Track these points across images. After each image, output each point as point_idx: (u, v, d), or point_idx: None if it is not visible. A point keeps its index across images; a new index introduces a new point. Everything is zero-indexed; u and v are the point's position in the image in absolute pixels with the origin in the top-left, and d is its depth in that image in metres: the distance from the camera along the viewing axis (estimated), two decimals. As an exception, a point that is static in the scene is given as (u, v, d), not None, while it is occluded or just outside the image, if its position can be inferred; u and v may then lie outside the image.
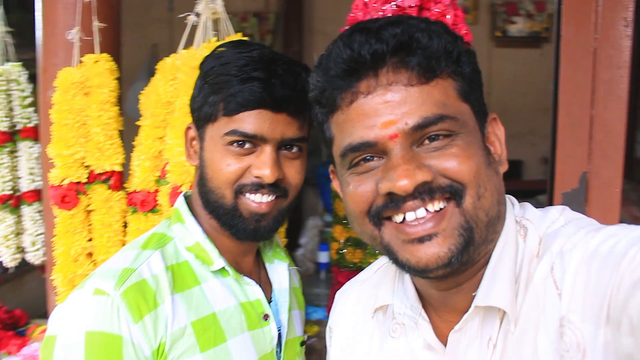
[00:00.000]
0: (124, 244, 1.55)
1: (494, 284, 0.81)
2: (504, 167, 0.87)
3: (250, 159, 1.10)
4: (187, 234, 1.16)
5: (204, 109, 1.13)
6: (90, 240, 1.52)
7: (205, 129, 1.14)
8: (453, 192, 0.78)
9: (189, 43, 1.59)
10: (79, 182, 1.48)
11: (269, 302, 1.23)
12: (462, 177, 0.78)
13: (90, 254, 1.53)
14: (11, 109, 2.10)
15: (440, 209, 0.79)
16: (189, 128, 1.21)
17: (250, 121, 1.07)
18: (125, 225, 1.56)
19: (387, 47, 0.77)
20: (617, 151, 1.49)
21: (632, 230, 0.74)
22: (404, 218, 0.80)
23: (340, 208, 1.72)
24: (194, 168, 1.39)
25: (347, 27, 1.63)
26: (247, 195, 1.11)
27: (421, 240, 0.79)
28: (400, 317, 0.93)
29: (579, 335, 0.73)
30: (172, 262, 1.12)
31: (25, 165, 2.09)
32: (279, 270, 1.29)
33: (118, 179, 1.56)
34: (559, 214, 0.87)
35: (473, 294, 0.83)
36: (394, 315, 0.96)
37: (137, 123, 1.59)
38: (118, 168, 1.55)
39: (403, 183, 0.76)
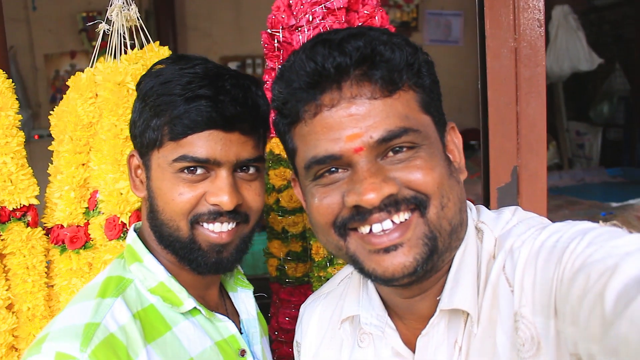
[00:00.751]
0: (50, 288, 1.37)
1: (457, 288, 0.84)
2: (463, 175, 0.90)
3: (204, 185, 1.00)
4: (148, 274, 1.04)
5: (147, 135, 1.02)
6: (8, 289, 1.30)
7: (150, 156, 1.03)
8: (417, 203, 0.80)
9: (101, 55, 1.43)
10: (-11, 223, 1.27)
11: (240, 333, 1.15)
12: (425, 188, 0.80)
13: (10, 305, 1.31)
14: None
15: (406, 219, 0.81)
16: (131, 156, 1.09)
17: (200, 144, 0.98)
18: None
19: (350, 60, 0.77)
20: (540, 144, 1.58)
21: (574, 225, 0.78)
22: (371, 229, 0.81)
23: (277, 222, 1.65)
24: (135, 197, 1.26)
25: (268, 30, 1.58)
26: (205, 225, 1.02)
27: (387, 250, 0.81)
28: (367, 327, 0.94)
29: (532, 328, 0.76)
30: (138, 309, 1.00)
31: None
32: (244, 298, 1.21)
33: (35, 215, 1.36)
34: (511, 215, 0.91)
35: (437, 299, 0.86)
36: (360, 325, 0.97)
37: (51, 148, 1.40)
38: (35, 201, 1.35)
39: (370, 197, 0.77)
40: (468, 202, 0.92)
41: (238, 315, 1.19)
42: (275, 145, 1.61)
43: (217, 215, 1.00)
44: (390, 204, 0.79)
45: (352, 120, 0.78)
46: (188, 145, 0.98)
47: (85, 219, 1.35)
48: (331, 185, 0.83)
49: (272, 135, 1.57)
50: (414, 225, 0.81)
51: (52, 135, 1.40)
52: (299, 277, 1.65)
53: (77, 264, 1.31)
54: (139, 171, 1.07)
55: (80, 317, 0.94)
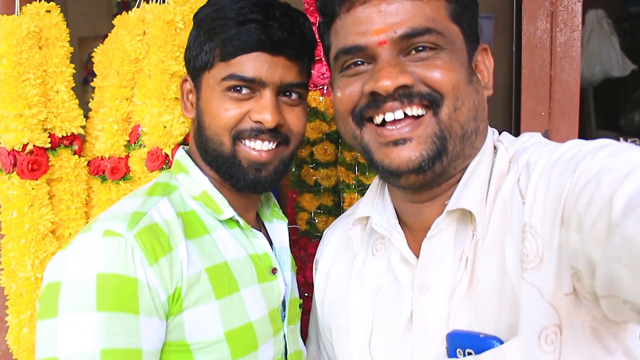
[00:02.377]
0: (89, 217, 1.42)
1: (465, 191, 0.87)
2: (488, 92, 0.94)
3: (249, 104, 1.06)
4: (193, 183, 1.10)
5: (200, 58, 1.08)
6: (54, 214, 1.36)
7: (201, 78, 1.09)
8: (431, 101, 0.84)
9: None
10: (41, 148, 1.32)
11: None
12: (440, 86, 0.83)
13: (54, 231, 1.37)
14: None
15: (419, 115, 0.85)
16: (184, 81, 1.15)
17: (248, 64, 1.04)
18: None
19: None
20: (573, 110, 1.60)
21: (594, 142, 0.79)
22: (384, 120, 0.86)
23: (309, 175, 1.69)
24: (178, 130, 1.31)
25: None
26: (246, 142, 1.07)
27: (396, 143, 0.85)
28: (377, 228, 0.98)
29: (538, 239, 0.77)
30: (181, 210, 1.05)
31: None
32: (279, 229, 1.25)
33: (81, 144, 1.42)
34: (529, 137, 0.93)
35: (446, 203, 0.89)
36: (372, 230, 1.01)
37: (93, 84, 1.46)
38: (82, 131, 1.40)
39: (385, 83, 0.82)
40: (491, 128, 0.96)
41: (271, 244, 1.23)
42: (311, 99, 1.65)
43: (258, 132, 1.05)
44: (405, 95, 0.84)
45: (381, 16, 0.84)
46: (236, 65, 1.03)
47: (125, 151, 1.40)
48: (355, 77, 0.88)
49: (310, 88, 1.63)
50: (425, 123, 0.84)
51: (96, 72, 1.46)
52: (329, 231, 1.68)
53: (116, 195, 1.36)
54: (190, 95, 1.14)
55: (128, 208, 0.99)
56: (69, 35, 1.41)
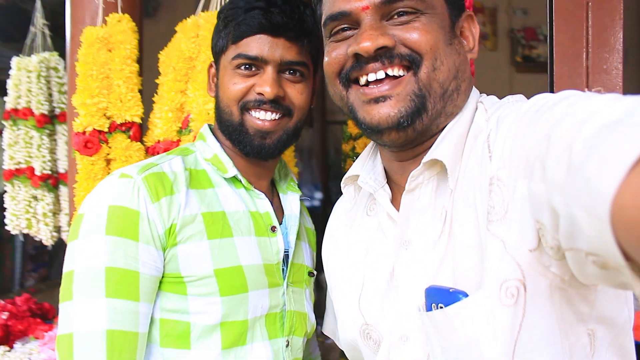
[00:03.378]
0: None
1: (441, 145, 0.89)
2: (473, 55, 0.98)
3: (254, 79, 1.21)
4: (207, 147, 1.27)
5: (219, 43, 1.27)
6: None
7: (220, 61, 1.27)
8: (411, 61, 0.88)
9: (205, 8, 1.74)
10: (101, 131, 1.59)
11: (280, 224, 1.30)
12: (419, 47, 0.88)
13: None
14: (50, 95, 2.27)
15: (399, 76, 0.89)
16: (210, 66, 1.35)
17: (252, 45, 1.20)
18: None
19: None
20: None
21: (559, 93, 0.76)
22: (367, 81, 0.91)
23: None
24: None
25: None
26: (252, 112, 1.21)
27: (377, 100, 0.90)
28: (362, 184, 1.03)
29: (504, 191, 0.77)
30: (191, 167, 1.23)
31: (63, 147, 2.24)
32: (292, 200, 1.37)
33: (137, 131, 1.67)
34: (511, 97, 0.94)
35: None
36: (364, 190, 1.06)
37: (157, 81, 1.72)
38: (137, 119, 1.66)
39: (365, 44, 0.87)
40: (476, 89, 0.99)
41: (283, 213, 1.35)
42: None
43: (260, 103, 1.20)
44: (385, 56, 0.88)
45: None
46: (243, 46, 1.21)
47: (178, 136, 1.63)
48: (342, 42, 0.94)
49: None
50: (405, 82, 0.88)
51: (160, 71, 1.71)
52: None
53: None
54: (214, 77, 1.33)
55: (147, 160, 1.21)
56: (136, 40, 1.70)
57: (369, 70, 0.90)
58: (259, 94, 1.19)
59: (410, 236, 0.92)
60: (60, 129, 2.22)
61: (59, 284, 1.08)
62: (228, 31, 1.23)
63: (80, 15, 1.74)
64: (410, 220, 0.92)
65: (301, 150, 5.17)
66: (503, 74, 4.75)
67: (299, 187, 1.41)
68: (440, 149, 0.88)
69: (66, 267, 1.08)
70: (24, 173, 2.17)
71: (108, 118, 1.62)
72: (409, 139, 0.91)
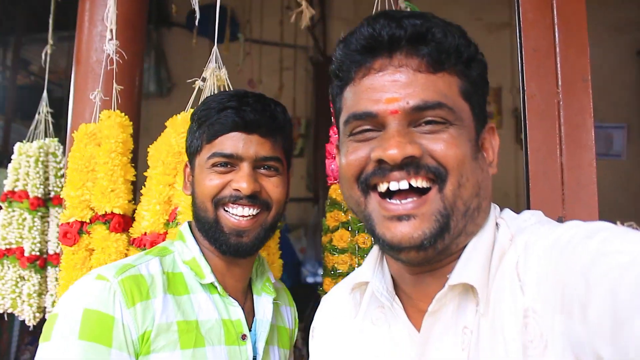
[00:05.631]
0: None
1: (467, 266, 0.86)
2: (493, 170, 0.95)
3: (230, 176, 1.25)
4: (186, 249, 1.29)
5: (193, 144, 1.31)
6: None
7: (194, 161, 1.31)
8: (437, 175, 0.84)
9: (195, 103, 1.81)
10: (82, 222, 1.63)
11: (249, 330, 1.30)
12: (446, 161, 0.84)
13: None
14: (47, 178, 2.35)
15: (423, 187, 0.85)
16: (185, 166, 1.39)
17: (227, 143, 1.24)
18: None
19: (404, 33, 0.84)
20: (591, 196, 1.53)
21: (590, 223, 0.77)
22: (388, 189, 0.86)
23: (329, 260, 1.77)
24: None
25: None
26: (227, 209, 1.24)
27: (400, 218, 0.85)
28: (378, 294, 0.97)
29: (542, 324, 0.75)
30: (169, 270, 1.24)
31: (54, 229, 2.29)
32: (265, 303, 1.37)
33: (117, 222, 1.70)
34: (530, 215, 0.93)
35: (447, 276, 0.87)
36: (372, 298, 1.01)
37: (145, 174, 1.77)
38: (118, 211, 1.69)
39: (393, 152, 0.83)
40: (493, 204, 0.96)
41: (254, 316, 1.36)
42: (332, 190, 1.80)
43: (237, 198, 1.24)
44: (411, 165, 0.84)
45: (395, 85, 0.85)
46: (218, 145, 1.25)
47: (164, 229, 1.66)
48: (363, 142, 0.89)
49: (331, 182, 1.78)
50: (430, 200, 0.84)
51: (149, 164, 1.76)
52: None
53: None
54: (190, 177, 1.36)
55: (124, 261, 1.22)
56: (124, 134, 1.76)
57: (392, 178, 0.85)
58: (236, 190, 1.22)
59: (430, 355, 0.88)
60: (54, 211, 2.28)
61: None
62: (202, 131, 1.27)
63: (81, 110, 1.83)
64: (431, 340, 0.88)
65: (306, 227, 5.21)
66: (508, 152, 4.80)
67: (274, 286, 1.41)
68: (469, 272, 0.85)
69: None
70: (14, 253, 2.21)
71: (92, 209, 1.67)
72: (428, 258, 0.87)
